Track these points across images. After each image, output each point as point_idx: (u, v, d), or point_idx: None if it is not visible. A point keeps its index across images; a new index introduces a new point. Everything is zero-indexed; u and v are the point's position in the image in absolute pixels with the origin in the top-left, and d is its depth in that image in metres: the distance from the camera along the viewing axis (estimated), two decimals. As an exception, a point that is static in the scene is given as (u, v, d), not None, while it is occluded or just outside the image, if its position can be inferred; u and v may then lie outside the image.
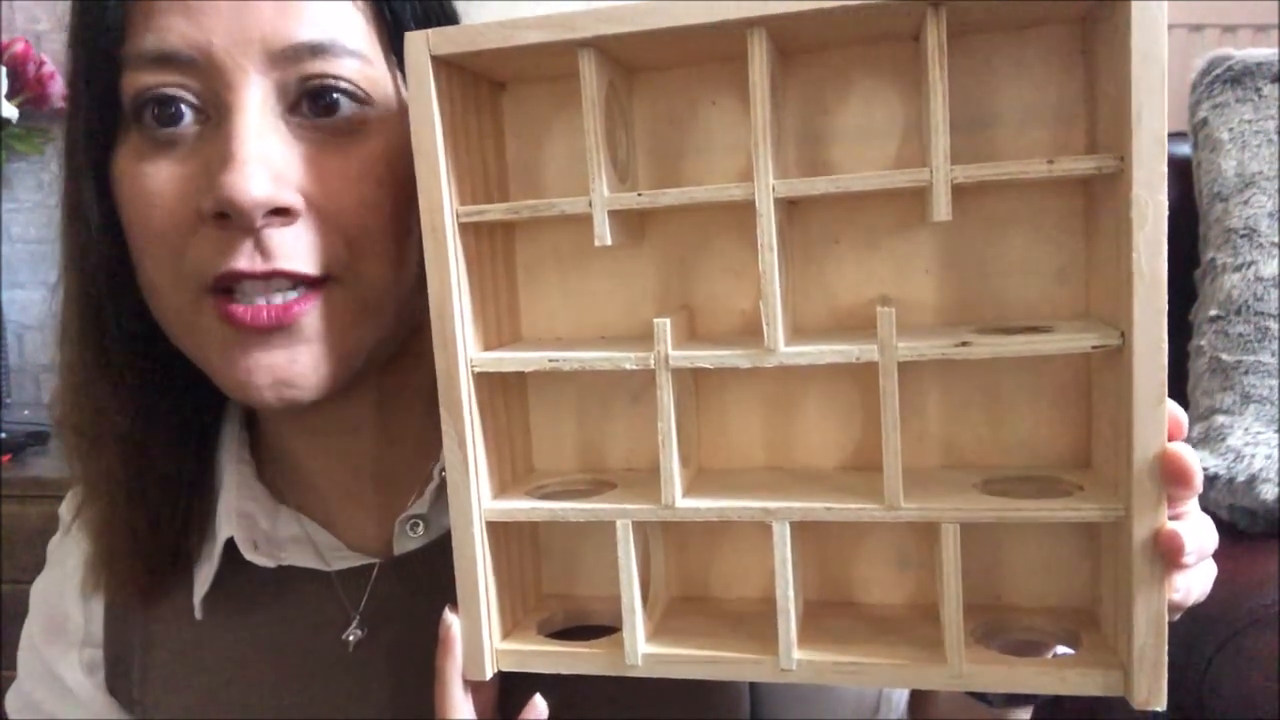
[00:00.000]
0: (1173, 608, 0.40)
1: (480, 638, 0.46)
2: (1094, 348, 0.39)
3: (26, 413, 1.71)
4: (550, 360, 0.45)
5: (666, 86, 0.48)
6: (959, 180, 0.40)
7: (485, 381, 0.46)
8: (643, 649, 0.45)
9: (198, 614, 0.56)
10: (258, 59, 0.45)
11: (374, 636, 0.55)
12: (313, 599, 0.55)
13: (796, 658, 0.43)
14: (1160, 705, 0.40)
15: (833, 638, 0.45)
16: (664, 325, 0.43)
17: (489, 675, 0.46)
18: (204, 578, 0.55)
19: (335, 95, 0.47)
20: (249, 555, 0.55)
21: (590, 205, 0.43)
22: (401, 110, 0.48)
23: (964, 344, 0.40)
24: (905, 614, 0.47)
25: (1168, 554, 0.39)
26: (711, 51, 0.45)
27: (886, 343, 0.41)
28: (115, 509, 0.54)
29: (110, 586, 0.57)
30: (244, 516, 0.56)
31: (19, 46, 1.63)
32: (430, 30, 0.43)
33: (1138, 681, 0.40)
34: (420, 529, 0.55)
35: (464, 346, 0.45)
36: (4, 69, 1.59)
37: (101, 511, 0.55)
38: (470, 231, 0.46)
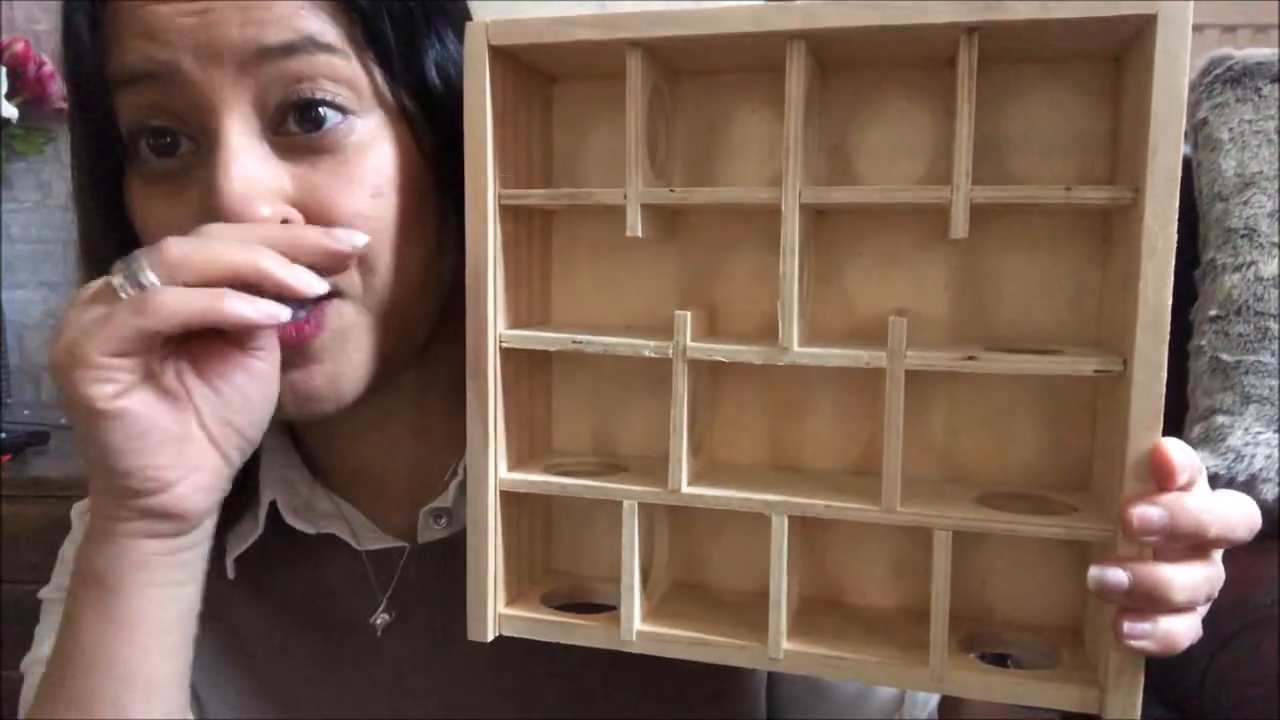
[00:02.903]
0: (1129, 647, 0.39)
1: (485, 600, 0.48)
2: (1096, 371, 0.41)
3: (26, 413, 1.73)
4: (574, 342, 0.47)
5: (709, 92, 0.50)
6: (978, 200, 0.41)
7: (511, 357, 0.49)
8: (638, 626, 0.47)
9: (230, 573, 0.57)
10: (229, 68, 0.45)
11: (401, 623, 0.56)
12: (344, 575, 0.57)
13: (785, 648, 0.45)
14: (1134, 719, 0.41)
15: (822, 632, 0.46)
16: (684, 317, 0.45)
17: (490, 638, 0.48)
18: (243, 536, 0.56)
19: (319, 108, 0.46)
20: (290, 520, 0.56)
21: (625, 197, 0.45)
22: (383, 115, 0.48)
23: (971, 358, 0.42)
24: (896, 618, 0.49)
25: (1097, 591, 0.39)
26: (754, 61, 0.47)
27: (896, 350, 0.43)
28: None
29: None
30: (285, 483, 0.57)
31: (19, 46, 1.64)
32: (490, 21, 0.45)
33: (1112, 700, 0.41)
34: (444, 521, 0.56)
35: (494, 321, 0.47)
36: (4, 69, 1.60)
37: None
38: (510, 215, 0.48)
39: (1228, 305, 1.12)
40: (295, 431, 0.60)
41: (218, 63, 0.45)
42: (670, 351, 0.45)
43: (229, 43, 0.44)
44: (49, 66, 1.65)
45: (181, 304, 0.40)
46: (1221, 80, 1.18)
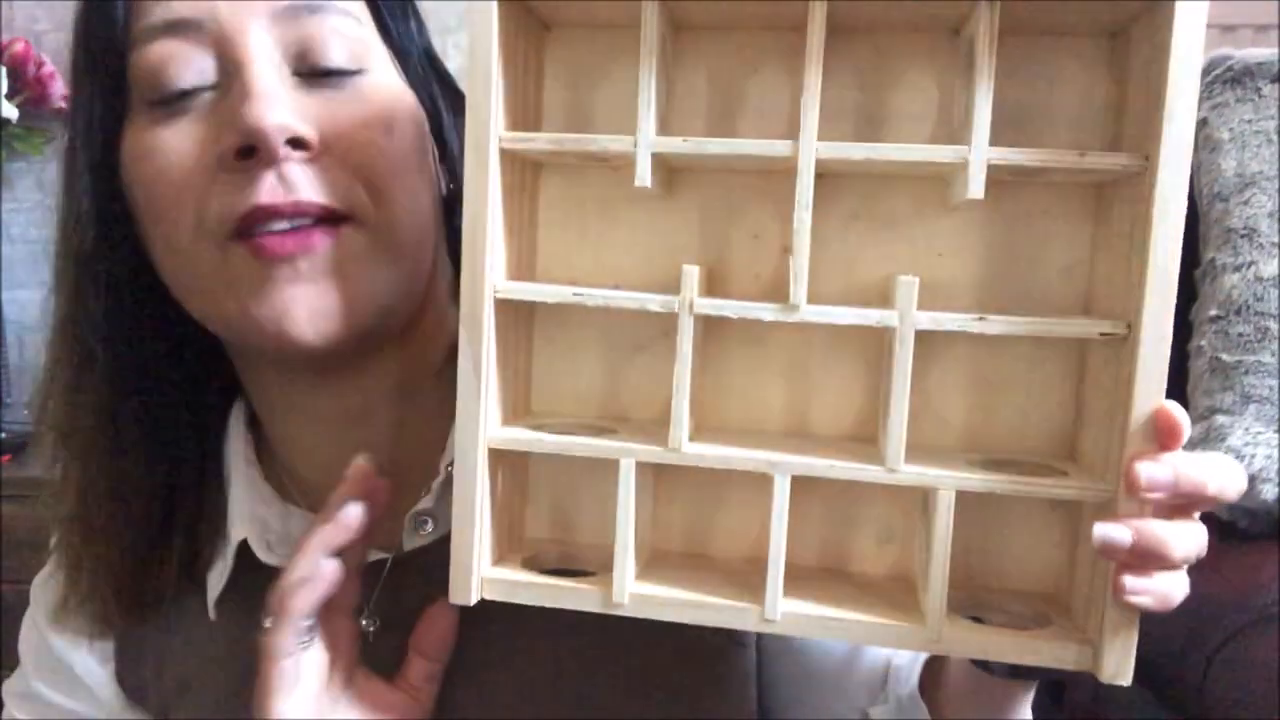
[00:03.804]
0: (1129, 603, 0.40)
1: (470, 563, 0.46)
2: (1102, 335, 0.42)
3: (26, 413, 1.69)
4: (575, 294, 0.45)
5: (711, 50, 0.49)
6: (995, 161, 0.42)
7: (505, 309, 0.47)
8: (630, 588, 0.46)
9: (212, 615, 0.56)
10: (261, 16, 0.48)
11: (388, 630, 0.55)
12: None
13: (782, 610, 0.44)
14: (1126, 681, 0.42)
15: (818, 595, 0.46)
16: (692, 272, 0.44)
17: (474, 600, 0.46)
18: (217, 579, 0.56)
19: (333, 56, 0.50)
20: (263, 556, 0.55)
21: (635, 145, 0.44)
22: (390, 73, 0.53)
23: (981, 318, 0.42)
24: (886, 584, 0.49)
25: (1102, 549, 0.40)
26: (764, 18, 0.47)
27: (906, 310, 0.43)
28: (120, 515, 0.54)
29: (119, 591, 0.56)
30: (256, 519, 0.56)
31: (19, 46, 1.65)
32: (499, -43, 0.43)
33: (1107, 657, 0.41)
34: (429, 525, 0.55)
35: (490, 270, 0.45)
36: (4, 69, 1.60)
37: (105, 519, 0.55)
38: (506, 160, 0.46)
39: (1228, 305, 1.14)
40: (265, 456, 0.59)
41: (251, 8, 0.48)
42: (677, 306, 0.44)
43: None
44: (49, 66, 1.65)
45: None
46: (1221, 80, 1.21)
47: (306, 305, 0.48)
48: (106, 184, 0.51)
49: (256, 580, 0.55)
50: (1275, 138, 1.16)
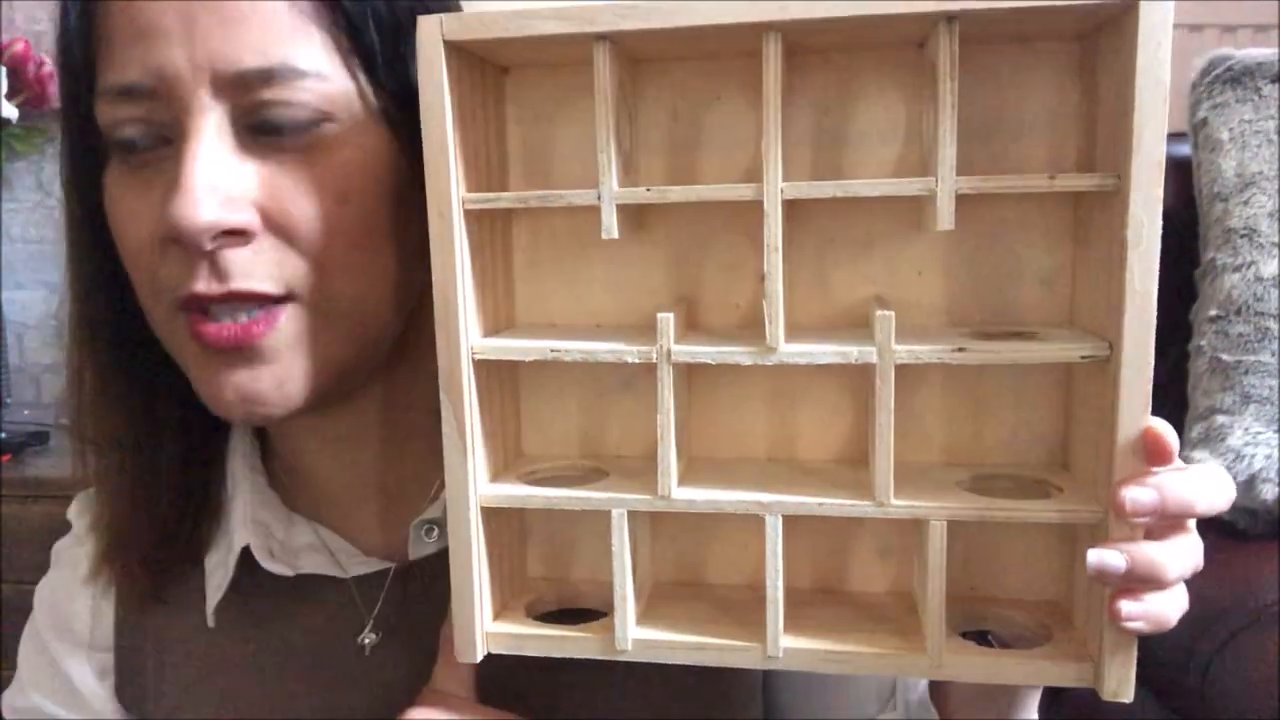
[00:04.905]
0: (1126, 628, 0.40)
1: (473, 621, 0.46)
2: (1083, 358, 0.41)
3: (26, 413, 1.73)
4: (553, 350, 0.45)
5: (671, 80, 0.48)
6: (963, 191, 0.41)
7: (484, 368, 0.47)
8: (633, 634, 0.46)
9: (210, 622, 0.56)
10: (209, 85, 0.45)
11: (390, 640, 0.55)
12: (328, 605, 0.56)
13: (784, 646, 0.45)
14: (1128, 698, 0.42)
15: (818, 626, 0.46)
16: (667, 320, 0.44)
17: (479, 657, 0.47)
18: (217, 585, 0.56)
19: (284, 126, 0.46)
20: (266, 564, 0.55)
21: (599, 199, 0.43)
22: (365, 120, 0.48)
23: (960, 349, 0.42)
24: (886, 601, 0.49)
25: (1097, 576, 0.40)
26: (720, 49, 0.46)
27: (884, 346, 0.42)
28: (127, 516, 0.55)
29: (121, 592, 0.57)
30: (259, 525, 0.56)
31: (19, 46, 1.64)
32: (444, 15, 0.42)
33: (1108, 675, 0.42)
34: (435, 534, 0.55)
35: (466, 334, 0.45)
36: (4, 69, 1.59)
37: (114, 518, 0.55)
38: (474, 217, 0.46)
39: (1228, 305, 1.13)
40: (270, 463, 0.59)
41: (198, 75, 0.45)
42: (654, 356, 0.44)
43: (210, 59, 0.45)
44: (49, 66, 1.64)
45: None
46: (1221, 80, 1.18)
47: (238, 392, 0.47)
48: (100, 212, 0.51)
49: (256, 587, 0.56)
50: (1275, 138, 1.14)
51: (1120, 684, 0.42)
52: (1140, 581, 0.40)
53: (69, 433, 0.56)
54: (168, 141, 0.47)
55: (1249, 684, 0.83)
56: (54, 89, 1.64)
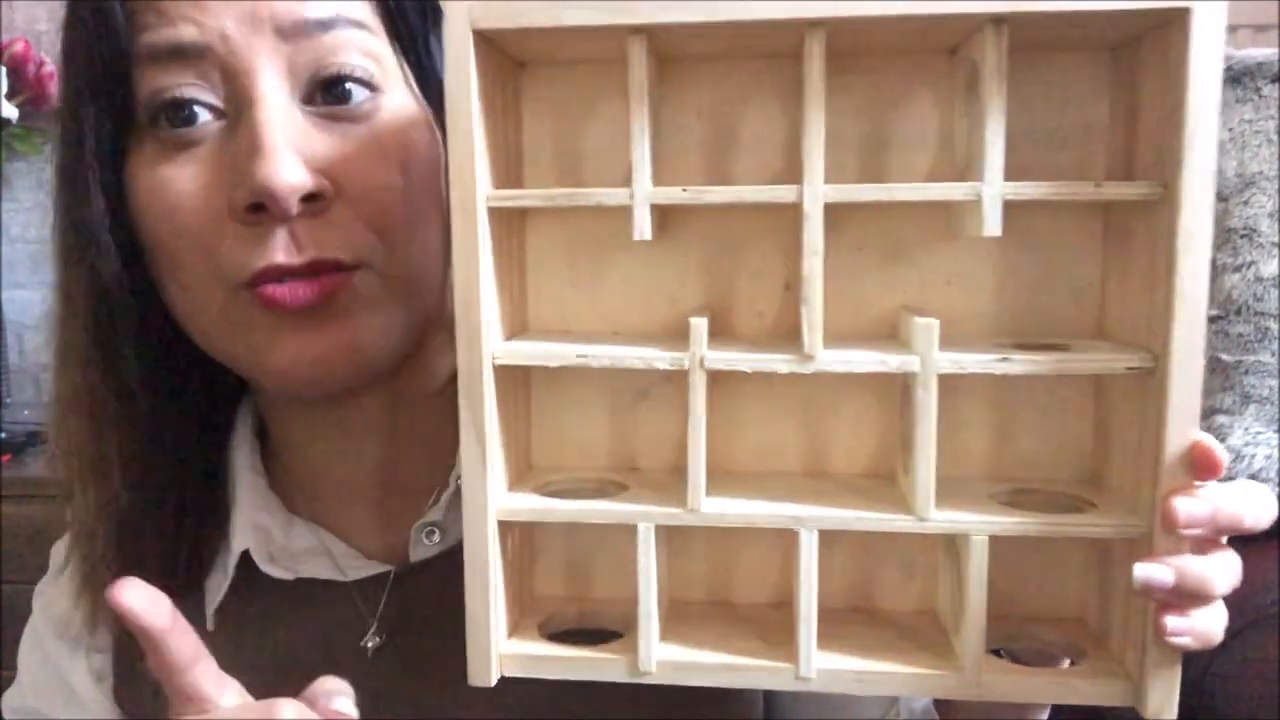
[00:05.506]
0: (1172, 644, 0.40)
1: (488, 641, 0.44)
2: (1128, 369, 0.40)
3: (26, 413, 1.72)
4: (580, 355, 0.43)
5: (698, 79, 0.47)
6: (1010, 197, 0.40)
7: (504, 374, 0.44)
8: (657, 655, 0.44)
9: (210, 625, 0.54)
10: (269, 38, 0.45)
11: (392, 642, 0.54)
12: (329, 608, 0.54)
13: (816, 665, 0.43)
14: (1171, 715, 0.41)
15: (848, 645, 0.45)
16: (701, 325, 0.42)
17: (494, 681, 0.44)
18: (216, 589, 0.54)
19: (348, 84, 0.47)
20: (265, 568, 0.54)
21: (631, 198, 0.42)
22: (408, 98, 0.50)
23: (1005, 359, 0.41)
24: (913, 620, 0.48)
25: (1143, 590, 0.39)
26: (752, 48, 0.45)
27: (927, 355, 0.41)
28: (126, 519, 0.53)
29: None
30: (259, 529, 0.54)
31: (19, 46, 1.64)
32: (473, 2, 0.40)
33: (1151, 695, 0.41)
34: (436, 536, 0.54)
35: (488, 337, 0.43)
36: (4, 69, 1.60)
37: (112, 524, 0.53)
38: (494, 216, 0.44)
39: (1228, 305, 1.15)
40: (271, 465, 0.57)
41: (258, 30, 0.45)
42: (687, 363, 0.42)
43: (271, 12, 0.45)
44: (49, 66, 1.64)
45: None
46: (1221, 80, 1.21)
47: (315, 352, 0.47)
48: (120, 211, 0.49)
49: (256, 591, 0.55)
50: (1275, 138, 1.17)
51: (1163, 703, 0.41)
52: (1187, 596, 0.39)
53: (61, 453, 0.54)
54: (218, 115, 0.46)
55: (1249, 684, 0.84)
56: (54, 89, 1.62)
